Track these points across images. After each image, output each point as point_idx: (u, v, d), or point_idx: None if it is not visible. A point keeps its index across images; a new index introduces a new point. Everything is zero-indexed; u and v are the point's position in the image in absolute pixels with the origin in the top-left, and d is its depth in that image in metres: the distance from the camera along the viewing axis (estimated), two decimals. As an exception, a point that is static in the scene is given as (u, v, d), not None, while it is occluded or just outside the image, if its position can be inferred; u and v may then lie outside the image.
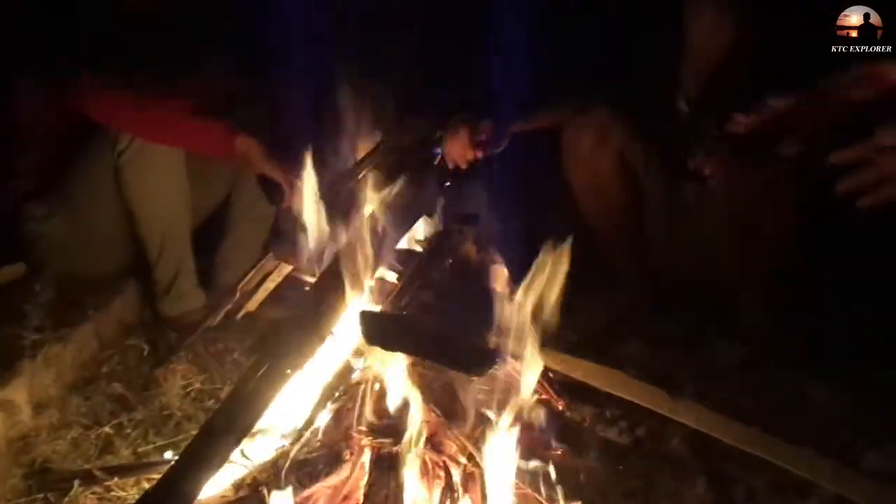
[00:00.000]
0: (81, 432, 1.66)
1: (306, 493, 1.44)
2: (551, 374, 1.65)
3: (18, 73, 1.96)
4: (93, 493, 1.47)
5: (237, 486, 1.43)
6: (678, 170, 1.91)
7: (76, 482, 1.48)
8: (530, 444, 1.44)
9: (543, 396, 1.60)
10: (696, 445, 1.56)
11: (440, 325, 1.38)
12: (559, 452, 1.53)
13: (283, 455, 1.46)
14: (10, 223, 2.03)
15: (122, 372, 1.87)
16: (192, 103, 2.01)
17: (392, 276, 1.52)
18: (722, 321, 1.98)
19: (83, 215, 2.06)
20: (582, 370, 1.53)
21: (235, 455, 1.50)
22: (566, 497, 1.40)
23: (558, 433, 1.55)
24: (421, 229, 1.61)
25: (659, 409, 1.49)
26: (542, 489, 1.40)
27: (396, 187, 1.50)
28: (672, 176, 2.00)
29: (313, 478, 1.45)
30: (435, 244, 1.52)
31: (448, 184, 1.67)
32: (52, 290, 1.90)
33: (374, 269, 1.47)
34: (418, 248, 1.58)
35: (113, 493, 1.48)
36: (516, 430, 1.37)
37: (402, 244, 1.57)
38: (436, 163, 1.64)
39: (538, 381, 1.60)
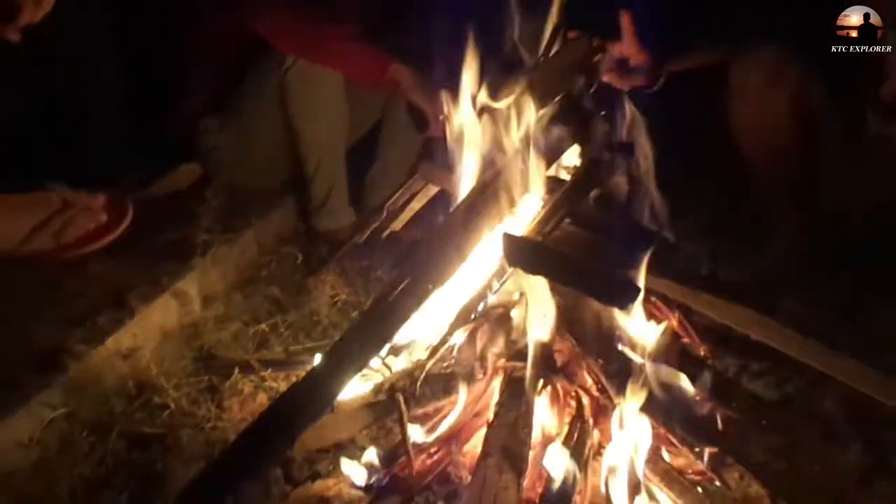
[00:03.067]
0: (242, 327, 1.81)
1: (439, 404, 1.50)
2: (695, 318, 1.57)
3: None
4: (250, 380, 1.62)
5: (376, 391, 1.51)
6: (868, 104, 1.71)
7: (236, 369, 1.63)
8: (667, 385, 1.40)
9: (685, 340, 1.54)
10: (853, 409, 1.44)
11: (584, 254, 1.35)
12: (698, 398, 1.48)
13: (420, 367, 1.52)
14: (188, 135, 2.21)
15: (278, 277, 2.01)
16: (351, 29, 2.06)
17: (539, 202, 1.50)
18: (891, 284, 1.78)
19: (250, 130, 2.21)
20: (732, 314, 1.44)
21: (376, 362, 1.60)
22: (703, 443, 1.35)
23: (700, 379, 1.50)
24: (571, 156, 1.56)
25: (814, 364, 1.38)
26: (678, 431, 1.36)
27: (549, 111, 1.46)
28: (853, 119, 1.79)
29: (447, 392, 1.50)
30: (583, 173, 1.47)
31: (603, 113, 1.59)
32: (221, 198, 2.07)
33: (522, 193, 1.45)
34: (566, 176, 1.54)
35: (266, 384, 1.62)
36: (653, 368, 1.33)
37: (551, 171, 1.54)
38: (592, 86, 1.57)
39: (680, 324, 1.54)
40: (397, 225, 2.13)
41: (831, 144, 1.88)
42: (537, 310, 1.42)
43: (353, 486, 1.38)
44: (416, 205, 2.07)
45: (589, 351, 1.44)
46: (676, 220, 1.83)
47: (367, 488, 1.37)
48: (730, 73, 1.89)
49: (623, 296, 1.24)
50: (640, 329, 1.37)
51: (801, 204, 1.97)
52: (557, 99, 1.51)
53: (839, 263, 1.87)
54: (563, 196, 1.44)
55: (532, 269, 1.33)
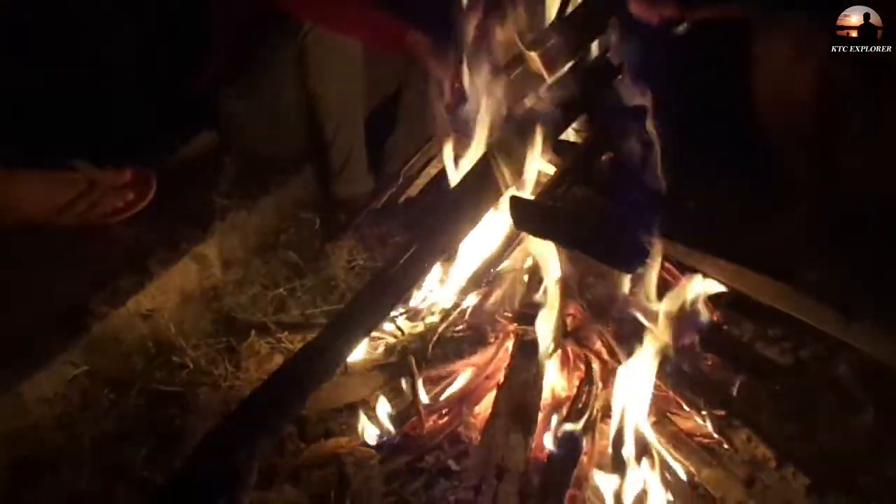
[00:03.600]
0: (260, 291, 1.84)
1: (451, 367, 1.52)
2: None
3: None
4: (267, 342, 1.65)
5: (388, 352, 1.54)
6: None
7: (253, 331, 1.66)
8: (679, 349, 1.40)
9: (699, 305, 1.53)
10: (868, 375, 1.42)
11: (593, 218, 1.35)
12: (709, 362, 1.48)
13: (432, 330, 1.54)
14: (207, 102, 2.23)
15: (296, 243, 2.03)
16: None
17: (550, 167, 1.49)
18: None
19: (269, 97, 2.21)
20: (745, 280, 1.42)
21: (389, 325, 1.62)
22: (711, 406, 1.35)
23: (711, 344, 1.49)
24: (582, 121, 1.55)
25: (829, 330, 1.36)
26: (686, 394, 1.37)
27: (560, 74, 1.45)
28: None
29: (458, 354, 1.52)
30: (595, 137, 1.46)
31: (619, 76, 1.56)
32: (240, 164, 2.09)
33: (532, 158, 1.45)
34: (578, 140, 1.54)
35: (283, 345, 1.65)
36: (665, 332, 1.33)
37: (563, 135, 1.53)
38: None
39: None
40: (414, 190, 2.15)
41: (856, 120, 1.83)
42: (548, 274, 1.42)
43: (365, 444, 1.41)
44: (432, 170, 2.08)
45: (600, 315, 1.44)
46: (694, 186, 1.83)
47: (379, 447, 1.40)
48: (753, 40, 1.84)
49: (631, 259, 1.23)
50: (651, 293, 1.36)
51: (821, 175, 1.92)
52: (572, 62, 1.50)
53: (859, 234, 1.83)
54: (574, 160, 1.43)
55: (540, 233, 1.33)
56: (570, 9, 1.54)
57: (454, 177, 1.54)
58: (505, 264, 1.57)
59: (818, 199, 1.90)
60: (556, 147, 1.50)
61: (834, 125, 1.84)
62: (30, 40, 1.93)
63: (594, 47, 1.54)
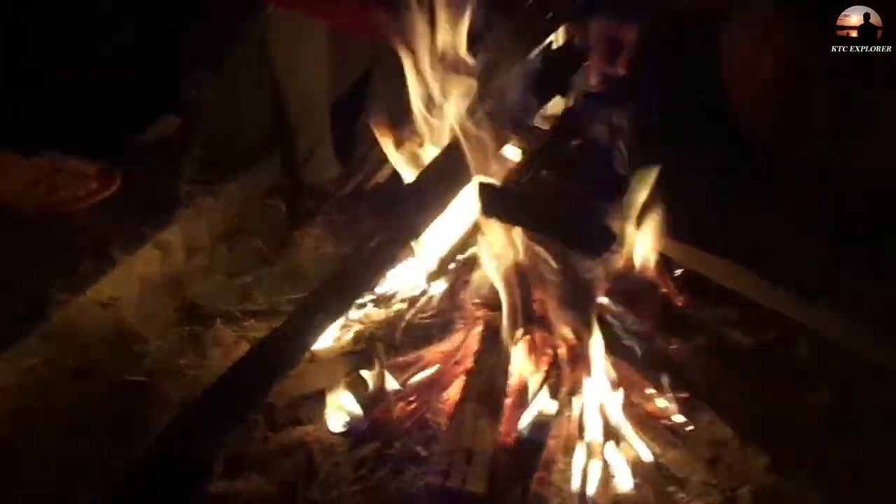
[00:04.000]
0: (225, 279, 1.81)
1: (419, 353, 1.52)
2: (674, 270, 1.58)
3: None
4: (232, 331, 1.63)
5: (356, 339, 1.53)
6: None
7: (219, 320, 1.64)
8: (643, 332, 1.42)
9: (663, 289, 1.55)
10: (826, 356, 1.46)
11: (560, 204, 1.35)
12: (674, 346, 1.50)
13: (400, 317, 1.54)
14: (172, 87, 2.19)
15: (263, 229, 2.00)
16: None
17: (516, 153, 1.49)
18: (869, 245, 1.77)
19: (234, 83, 2.18)
20: (707, 265, 1.45)
21: (357, 313, 1.61)
22: (675, 388, 1.37)
23: (676, 328, 1.51)
24: (551, 106, 1.55)
25: (788, 313, 1.39)
26: (651, 377, 1.38)
27: (529, 60, 1.44)
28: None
29: (426, 341, 1.52)
30: (562, 123, 1.47)
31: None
32: (205, 149, 2.06)
33: (500, 144, 1.44)
34: (545, 126, 1.54)
35: (249, 334, 1.63)
36: (629, 317, 1.35)
37: (531, 121, 1.53)
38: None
39: (658, 274, 1.55)
40: (382, 177, 2.13)
41: (822, 106, 1.85)
42: (514, 259, 1.42)
43: (333, 431, 1.40)
44: (400, 156, 2.06)
45: (567, 300, 1.45)
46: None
47: (347, 434, 1.39)
48: (719, 27, 1.86)
49: (596, 245, 1.24)
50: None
51: (790, 159, 1.95)
52: (539, 49, 1.50)
53: (825, 220, 1.86)
54: (541, 146, 1.44)
55: (507, 218, 1.34)
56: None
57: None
58: (472, 250, 1.57)
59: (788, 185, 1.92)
60: (524, 132, 1.51)
61: (800, 112, 1.87)
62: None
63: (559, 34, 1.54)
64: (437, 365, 1.50)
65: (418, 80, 1.41)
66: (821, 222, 1.75)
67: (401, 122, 1.92)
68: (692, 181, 1.84)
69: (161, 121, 2.12)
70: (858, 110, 1.77)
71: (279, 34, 2.03)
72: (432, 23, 1.41)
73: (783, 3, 1.77)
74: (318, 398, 1.48)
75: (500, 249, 1.48)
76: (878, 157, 1.77)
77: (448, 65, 1.39)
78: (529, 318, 1.45)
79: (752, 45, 1.81)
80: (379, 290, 1.66)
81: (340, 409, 1.43)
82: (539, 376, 1.43)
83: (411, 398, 1.46)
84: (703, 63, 1.95)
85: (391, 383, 1.43)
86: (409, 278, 1.63)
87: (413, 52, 1.61)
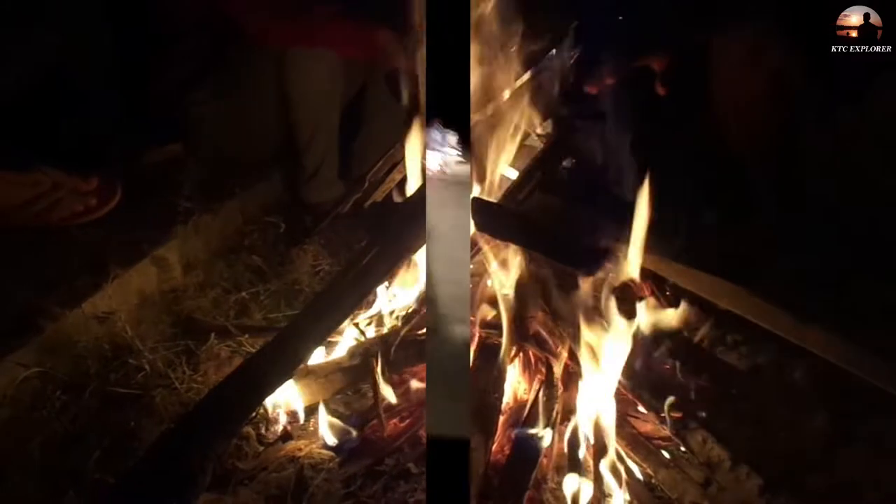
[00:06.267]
0: (222, 294, 1.82)
1: (413, 369, 1.52)
2: (668, 290, 1.58)
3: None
4: (227, 345, 1.63)
5: (351, 354, 1.53)
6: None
7: (213, 335, 1.64)
8: (637, 353, 1.41)
9: (656, 307, 1.55)
10: (823, 380, 1.45)
11: (554, 221, 1.36)
12: (668, 366, 1.49)
13: (394, 333, 1.54)
14: (173, 106, 2.21)
15: (260, 246, 2.01)
16: (336, 7, 2.04)
17: (512, 172, 1.51)
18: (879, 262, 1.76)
19: (240, 101, 2.20)
20: (701, 283, 1.45)
21: (351, 328, 1.61)
22: (669, 409, 1.37)
23: (671, 348, 1.51)
24: (545, 126, 1.56)
25: (784, 334, 1.39)
26: (644, 397, 1.38)
27: (522, 81, 1.46)
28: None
29: (421, 356, 1.52)
30: (556, 141, 1.48)
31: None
32: (206, 167, 2.07)
33: (496, 163, 1.46)
34: (540, 144, 1.55)
35: (244, 349, 1.63)
36: (624, 335, 1.34)
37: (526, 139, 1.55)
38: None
39: (654, 294, 1.55)
40: (379, 195, 2.14)
41: (809, 126, 1.87)
42: (510, 276, 1.43)
43: (325, 446, 1.40)
44: (397, 175, 2.08)
45: (561, 318, 1.45)
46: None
47: (338, 449, 1.39)
48: (709, 51, 1.87)
49: (590, 262, 1.25)
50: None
51: (776, 181, 1.96)
52: (534, 68, 1.52)
53: (823, 241, 1.86)
54: (535, 164, 1.45)
55: (502, 235, 1.34)
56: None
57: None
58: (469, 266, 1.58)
59: (773, 207, 1.93)
60: (520, 150, 1.52)
61: (788, 132, 1.88)
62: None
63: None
64: (431, 382, 1.50)
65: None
66: (818, 243, 1.75)
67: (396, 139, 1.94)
68: (687, 199, 1.86)
69: (167, 147, 2.14)
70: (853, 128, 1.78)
71: (294, 60, 2.06)
72: None
73: (769, 27, 1.78)
74: (311, 413, 1.48)
75: (496, 266, 1.49)
76: (873, 175, 1.79)
77: None
78: (524, 336, 1.46)
79: (739, 69, 1.83)
80: (374, 305, 1.66)
81: (332, 425, 1.42)
82: (532, 394, 1.42)
83: (404, 415, 1.46)
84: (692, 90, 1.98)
85: (389, 396, 1.43)
86: (405, 294, 1.63)
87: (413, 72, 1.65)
